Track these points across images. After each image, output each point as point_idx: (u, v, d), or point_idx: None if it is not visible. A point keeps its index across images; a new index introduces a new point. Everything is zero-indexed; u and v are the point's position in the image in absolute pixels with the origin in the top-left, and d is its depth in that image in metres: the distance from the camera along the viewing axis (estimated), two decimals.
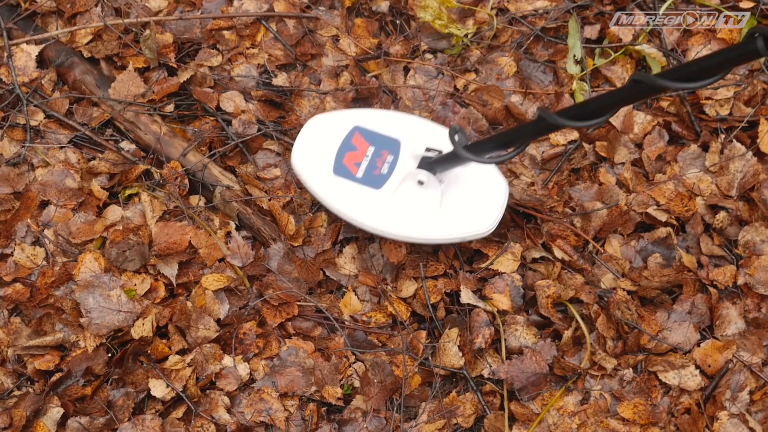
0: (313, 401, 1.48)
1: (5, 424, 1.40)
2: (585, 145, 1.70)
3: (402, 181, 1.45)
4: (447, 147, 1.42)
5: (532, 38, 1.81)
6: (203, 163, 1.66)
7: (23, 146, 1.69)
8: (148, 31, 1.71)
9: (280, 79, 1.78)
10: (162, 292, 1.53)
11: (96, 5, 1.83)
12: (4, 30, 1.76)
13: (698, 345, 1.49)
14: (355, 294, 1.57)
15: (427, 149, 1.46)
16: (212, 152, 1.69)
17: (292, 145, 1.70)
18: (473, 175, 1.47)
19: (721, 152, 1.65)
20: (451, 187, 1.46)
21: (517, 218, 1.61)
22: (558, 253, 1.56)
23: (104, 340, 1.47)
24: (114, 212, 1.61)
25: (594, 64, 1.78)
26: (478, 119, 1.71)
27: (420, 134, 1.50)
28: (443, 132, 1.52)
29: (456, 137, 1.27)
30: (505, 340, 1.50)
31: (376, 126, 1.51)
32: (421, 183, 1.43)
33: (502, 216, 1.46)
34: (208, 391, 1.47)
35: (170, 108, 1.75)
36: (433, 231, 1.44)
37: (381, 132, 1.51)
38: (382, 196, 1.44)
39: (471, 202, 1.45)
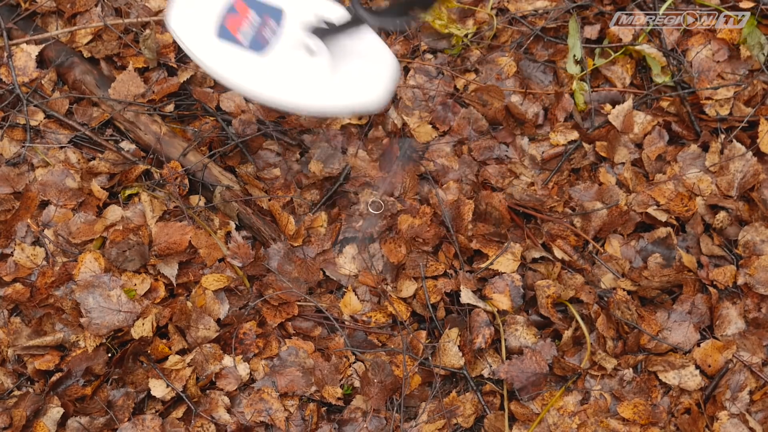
0: (313, 401, 1.48)
1: (5, 424, 1.40)
2: (585, 145, 1.70)
3: (290, 47, 1.37)
4: (335, 17, 1.36)
5: (532, 38, 1.81)
6: (203, 163, 1.66)
7: (23, 146, 1.68)
8: (148, 31, 1.71)
9: None
10: (162, 292, 1.53)
11: (96, 5, 1.83)
12: (4, 30, 1.76)
13: (698, 345, 1.49)
14: (355, 294, 1.57)
15: (317, 18, 1.39)
16: (212, 152, 1.69)
17: (292, 145, 1.70)
18: (364, 50, 1.42)
19: (721, 152, 1.65)
20: (342, 60, 1.40)
21: (517, 218, 1.61)
22: (558, 253, 1.56)
23: (104, 340, 1.47)
24: (114, 212, 1.61)
25: (594, 64, 1.78)
26: (478, 119, 1.71)
27: (305, 2, 1.43)
28: (327, 2, 1.45)
29: None
30: (505, 340, 1.50)
31: None
32: (309, 50, 1.37)
33: (393, 92, 1.41)
34: (208, 391, 1.47)
35: (170, 108, 1.75)
36: (321, 99, 1.38)
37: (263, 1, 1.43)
38: (268, 61, 1.37)
39: (362, 75, 1.40)
